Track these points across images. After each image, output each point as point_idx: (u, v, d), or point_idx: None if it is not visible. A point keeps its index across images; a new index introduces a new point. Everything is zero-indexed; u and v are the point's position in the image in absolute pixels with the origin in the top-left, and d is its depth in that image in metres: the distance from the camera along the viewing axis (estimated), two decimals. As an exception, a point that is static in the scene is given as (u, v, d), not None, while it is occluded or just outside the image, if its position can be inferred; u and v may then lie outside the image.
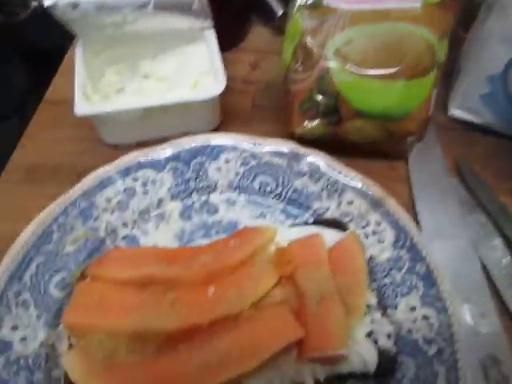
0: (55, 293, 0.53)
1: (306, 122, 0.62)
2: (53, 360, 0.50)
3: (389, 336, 0.49)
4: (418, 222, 0.62)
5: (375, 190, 0.60)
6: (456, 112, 0.73)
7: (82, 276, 0.52)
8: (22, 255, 0.53)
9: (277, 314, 0.48)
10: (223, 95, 0.66)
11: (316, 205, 0.62)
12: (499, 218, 0.62)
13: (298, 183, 0.63)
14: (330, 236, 0.55)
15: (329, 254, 0.52)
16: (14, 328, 0.50)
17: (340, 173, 0.62)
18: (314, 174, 0.63)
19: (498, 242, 0.60)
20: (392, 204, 0.59)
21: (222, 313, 0.48)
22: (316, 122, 0.62)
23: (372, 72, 0.57)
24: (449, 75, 0.74)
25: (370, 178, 0.61)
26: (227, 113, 0.74)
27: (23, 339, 0.49)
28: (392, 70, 0.57)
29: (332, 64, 0.58)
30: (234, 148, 0.65)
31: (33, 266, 0.54)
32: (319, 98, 0.60)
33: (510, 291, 0.56)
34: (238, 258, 0.53)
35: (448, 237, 0.60)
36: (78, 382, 0.44)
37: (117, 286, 0.50)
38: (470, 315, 0.53)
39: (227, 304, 0.49)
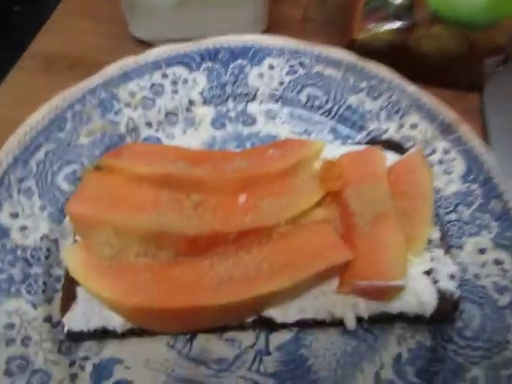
0: (63, 185, 0.46)
1: (371, 26, 0.52)
2: (54, 257, 0.43)
3: (451, 277, 0.41)
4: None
5: (447, 113, 0.50)
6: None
7: (96, 170, 0.45)
8: (29, 138, 0.46)
9: (320, 232, 0.40)
10: (270, 3, 0.56)
11: (372, 125, 0.53)
12: None
13: (353, 99, 0.54)
14: (388, 159, 0.46)
15: (387, 174, 0.43)
16: (14, 215, 0.43)
17: (404, 90, 0.52)
18: (374, 89, 0.53)
19: None
20: (466, 131, 0.49)
21: (253, 224, 0.40)
22: (383, 27, 0.52)
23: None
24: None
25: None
26: (274, 22, 0.64)
27: (23, 228, 0.43)
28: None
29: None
30: (281, 53, 0.56)
31: (41, 153, 0.47)
32: (392, -6, 0.49)
33: None
34: (278, 168, 0.44)
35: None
36: (79, 279, 0.37)
37: (133, 181, 0.43)
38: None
39: (260, 215, 0.41)
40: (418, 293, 0.39)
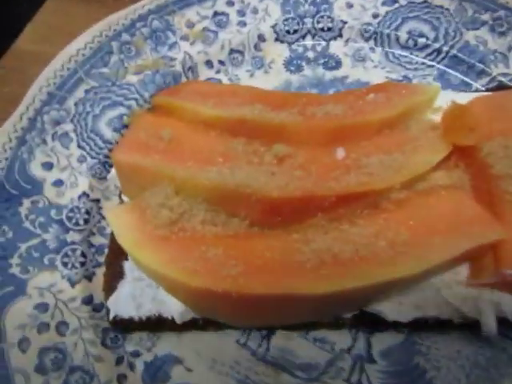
0: (107, 132, 0.38)
1: None
2: (96, 221, 0.35)
3: None
4: None
5: None
6: None
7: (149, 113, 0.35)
8: (67, 71, 0.38)
9: (453, 201, 0.29)
10: None
11: (496, 70, 0.41)
12: None
13: (471, 36, 0.43)
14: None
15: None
16: (47, 166, 0.35)
17: (546, 23, 0.40)
18: (500, 23, 0.41)
19: None
20: None
21: (358, 186, 0.30)
22: None
23: None
24: None
25: None
26: None
27: (58, 183, 0.35)
28: None
29: None
30: (378, -24, 0.44)
31: (81, 90, 0.38)
32: None
33: None
34: (383, 117, 0.34)
35: None
36: (128, 250, 0.29)
37: (196, 126, 0.33)
38: None
39: (368, 175, 0.30)
40: None
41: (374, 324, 0.31)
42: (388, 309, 0.30)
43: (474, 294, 0.31)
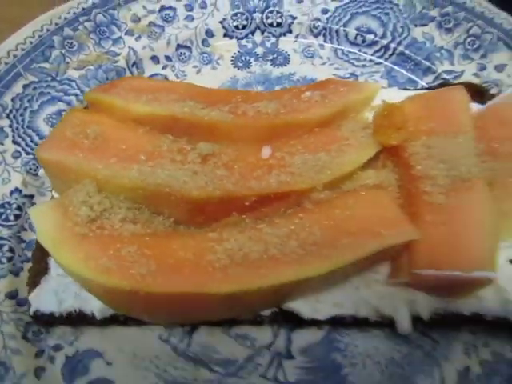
0: (45, 129, 0.39)
1: None
2: (27, 217, 0.35)
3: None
4: None
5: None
6: None
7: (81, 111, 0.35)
8: (5, 64, 0.38)
9: (372, 201, 0.29)
10: None
11: (442, 67, 0.41)
12: None
13: (419, 32, 0.43)
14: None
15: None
16: None
17: (491, 20, 0.40)
18: (448, 19, 0.41)
19: None
20: None
21: (279, 186, 0.31)
22: None
23: None
24: None
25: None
26: None
27: None
28: None
29: None
30: (327, -29, 0.44)
31: (19, 85, 0.38)
32: None
33: None
34: (317, 115, 0.34)
35: None
36: (48, 248, 0.29)
37: (126, 123, 0.33)
38: None
39: (290, 175, 0.30)
40: (502, 288, 0.29)
41: (293, 321, 0.31)
42: (304, 307, 0.31)
43: (390, 292, 0.32)
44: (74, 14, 0.41)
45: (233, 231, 0.29)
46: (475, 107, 0.37)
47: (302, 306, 0.31)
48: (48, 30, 0.40)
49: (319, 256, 0.27)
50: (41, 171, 0.35)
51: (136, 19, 0.43)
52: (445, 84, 0.41)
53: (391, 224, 0.28)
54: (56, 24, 0.40)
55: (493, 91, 0.39)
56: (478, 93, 0.39)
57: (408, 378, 0.31)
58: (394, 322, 0.31)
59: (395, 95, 0.39)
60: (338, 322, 0.32)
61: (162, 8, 0.43)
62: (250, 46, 0.45)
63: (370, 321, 0.32)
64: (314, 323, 0.32)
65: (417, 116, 0.33)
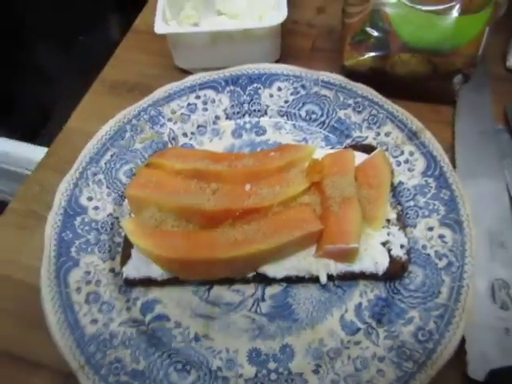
0: (123, 179, 0.64)
1: (356, 54, 0.66)
2: (116, 229, 0.61)
3: (402, 246, 0.54)
4: (454, 164, 0.64)
5: (414, 122, 0.63)
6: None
7: (146, 167, 0.62)
8: (100, 144, 0.65)
9: (300, 211, 0.55)
10: (285, 36, 0.72)
11: (355, 134, 0.66)
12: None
13: (342, 114, 0.67)
14: (363, 158, 0.60)
15: (358, 169, 0.57)
16: (90, 198, 0.61)
17: (382, 106, 0.66)
18: (358, 105, 0.67)
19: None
20: (428, 136, 0.62)
21: (254, 204, 0.55)
22: (366, 55, 0.66)
23: (426, 6, 0.60)
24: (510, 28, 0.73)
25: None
26: (287, 52, 0.79)
27: (95, 208, 0.61)
28: (446, 5, 0.59)
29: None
30: (287, 77, 0.70)
31: (108, 155, 0.64)
32: (371, 31, 0.64)
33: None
34: (276, 165, 0.59)
35: (481, 176, 0.61)
36: (133, 241, 0.54)
37: (171, 174, 0.59)
38: (488, 243, 0.55)
39: (260, 198, 0.56)
40: (375, 257, 0.53)
41: (265, 280, 0.52)
42: (269, 269, 0.50)
43: (316, 261, 0.53)
44: (138, 110, 0.68)
45: (229, 229, 0.55)
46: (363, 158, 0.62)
47: (268, 270, 0.50)
48: (122, 122, 0.67)
49: (272, 238, 0.51)
50: (124, 203, 0.62)
51: (173, 111, 0.69)
52: (356, 144, 0.66)
53: (309, 221, 0.53)
54: (127, 117, 0.69)
55: (383, 148, 0.64)
56: (373, 149, 0.65)
57: (327, 309, 0.52)
58: (319, 278, 0.51)
59: (325, 151, 0.65)
60: (289, 280, 0.51)
61: (189, 104, 0.69)
62: (241, 123, 0.69)
63: (305, 278, 0.51)
64: (276, 281, 0.51)
65: (328, 165, 0.57)
